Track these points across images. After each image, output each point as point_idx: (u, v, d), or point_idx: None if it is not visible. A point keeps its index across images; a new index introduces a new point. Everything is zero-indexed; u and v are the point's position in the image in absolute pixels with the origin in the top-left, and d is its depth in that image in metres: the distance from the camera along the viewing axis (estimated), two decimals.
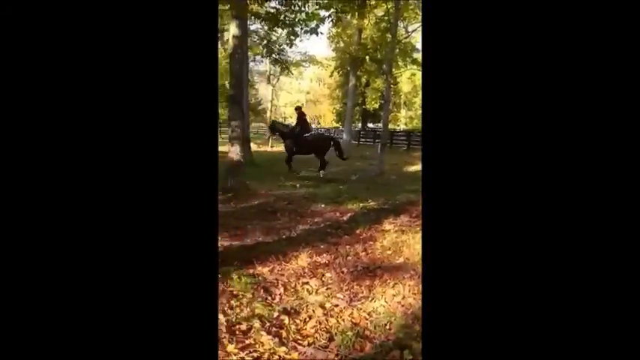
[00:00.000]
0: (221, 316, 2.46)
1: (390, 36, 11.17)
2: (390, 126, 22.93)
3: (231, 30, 7.05)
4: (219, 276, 3.03)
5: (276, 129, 10.45)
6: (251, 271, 3.27)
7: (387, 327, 2.43)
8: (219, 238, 4.26)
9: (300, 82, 34.91)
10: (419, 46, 16.41)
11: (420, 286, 2.88)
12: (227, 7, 7.20)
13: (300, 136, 9.58)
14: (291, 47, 13.78)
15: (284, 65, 18.21)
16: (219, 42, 17.84)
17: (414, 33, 15.41)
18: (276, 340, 2.25)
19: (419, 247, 3.82)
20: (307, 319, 2.52)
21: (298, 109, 10.30)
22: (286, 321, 2.47)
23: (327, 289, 2.99)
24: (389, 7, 12.11)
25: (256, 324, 2.40)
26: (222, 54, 17.69)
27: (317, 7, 10.15)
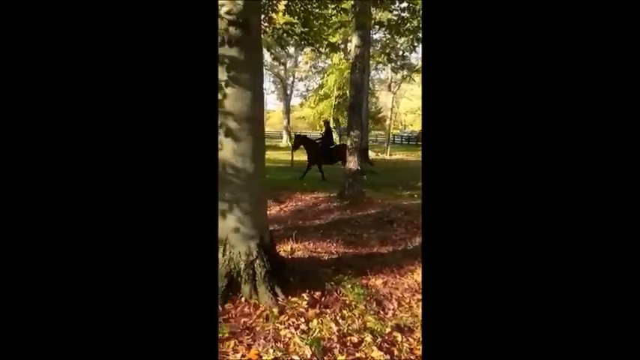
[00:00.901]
0: (333, 325, 2.47)
1: None
2: None
3: (354, 40, 7.17)
4: (333, 284, 3.06)
5: (301, 142, 10.70)
6: (364, 281, 3.23)
7: None
8: (334, 246, 4.32)
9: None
10: None
11: None
12: (351, 17, 7.35)
13: (324, 147, 10.20)
14: (411, 53, 13.51)
15: (405, 72, 17.97)
16: (342, 53, 18.36)
17: None
18: (388, 357, 2.17)
19: None
20: (421, 340, 2.38)
21: (326, 123, 11.38)
22: (399, 338, 2.37)
23: None
24: None
25: (368, 338, 2.34)
26: (344, 64, 18.12)
27: None
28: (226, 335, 2.31)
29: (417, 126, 37.74)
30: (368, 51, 10.20)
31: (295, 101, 30.95)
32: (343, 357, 2.16)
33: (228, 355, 2.16)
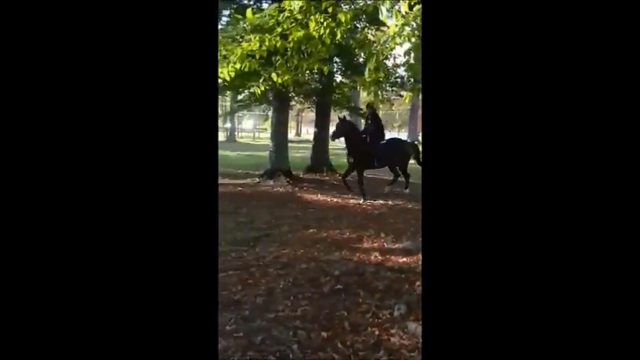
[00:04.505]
0: None
1: None
2: None
3: None
4: None
5: (343, 131, 6.69)
6: None
7: None
8: None
9: None
10: None
11: None
12: None
13: (371, 143, 6.68)
14: None
15: None
16: None
17: None
18: None
19: None
20: None
21: (370, 107, 7.15)
22: None
23: None
24: None
25: None
26: None
27: None
28: None
29: None
30: None
31: None
32: None
33: None
